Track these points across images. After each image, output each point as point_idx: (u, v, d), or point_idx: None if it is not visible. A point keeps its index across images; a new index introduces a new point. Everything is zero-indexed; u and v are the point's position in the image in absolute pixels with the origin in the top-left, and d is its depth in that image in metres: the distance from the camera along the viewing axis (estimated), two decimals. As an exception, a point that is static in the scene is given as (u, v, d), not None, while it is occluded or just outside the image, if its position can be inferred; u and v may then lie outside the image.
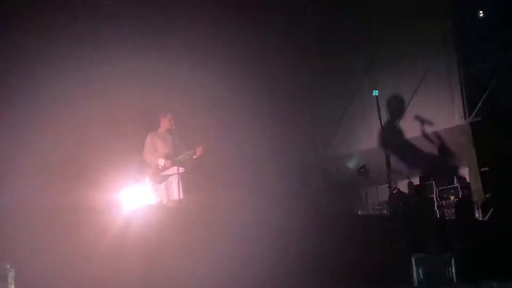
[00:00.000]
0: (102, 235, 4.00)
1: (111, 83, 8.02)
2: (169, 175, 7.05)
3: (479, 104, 10.00)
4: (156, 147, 7.18)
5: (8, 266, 3.53)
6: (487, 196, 9.86)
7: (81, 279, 3.80)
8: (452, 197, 11.33)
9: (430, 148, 10.98)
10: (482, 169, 9.86)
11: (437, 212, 11.45)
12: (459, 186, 11.43)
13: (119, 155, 7.62)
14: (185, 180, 7.15)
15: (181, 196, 6.90)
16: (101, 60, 8.08)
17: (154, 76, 8.75)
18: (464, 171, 11.30)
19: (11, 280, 3.53)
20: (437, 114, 10.50)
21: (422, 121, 10.60)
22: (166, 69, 8.80)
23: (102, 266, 3.90)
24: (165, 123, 7.27)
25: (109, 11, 8.54)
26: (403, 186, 12.62)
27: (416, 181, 12.59)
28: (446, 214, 11.35)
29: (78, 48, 7.91)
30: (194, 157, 7.05)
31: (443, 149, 10.54)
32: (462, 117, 10.12)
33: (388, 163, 10.61)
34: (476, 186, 10.04)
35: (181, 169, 6.98)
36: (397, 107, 11.15)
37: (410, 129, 10.94)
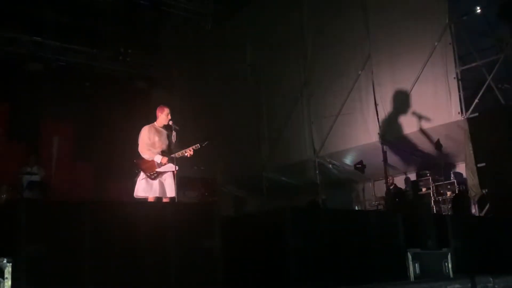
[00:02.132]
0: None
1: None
2: (164, 172, 7.06)
3: (476, 100, 10.01)
4: (153, 142, 7.19)
5: (4, 261, 3.51)
6: (484, 191, 9.88)
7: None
8: (449, 193, 11.36)
9: (427, 144, 11.00)
10: (479, 165, 9.88)
11: (434, 208, 11.49)
12: (455, 181, 11.46)
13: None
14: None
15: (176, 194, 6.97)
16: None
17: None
18: (461, 167, 11.33)
19: (8, 275, 3.51)
20: (434, 109, 10.51)
21: (419, 116, 10.62)
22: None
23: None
24: (162, 118, 7.30)
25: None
26: (400, 181, 12.67)
27: (413, 176, 12.63)
28: (442, 209, 11.38)
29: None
30: (187, 156, 7.11)
31: (440, 145, 10.56)
32: (459, 113, 10.12)
33: (385, 159, 10.67)
34: (473, 182, 10.05)
35: (176, 167, 7.02)
36: (394, 103, 11.16)
37: (407, 124, 10.95)
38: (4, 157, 12.58)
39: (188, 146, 7.10)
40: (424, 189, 11.91)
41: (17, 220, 3.66)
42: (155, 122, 7.35)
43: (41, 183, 11.79)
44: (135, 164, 7.22)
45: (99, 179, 13.77)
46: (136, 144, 7.24)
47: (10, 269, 3.51)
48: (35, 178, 11.83)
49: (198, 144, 7.12)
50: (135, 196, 7.04)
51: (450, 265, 5.60)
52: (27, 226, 3.64)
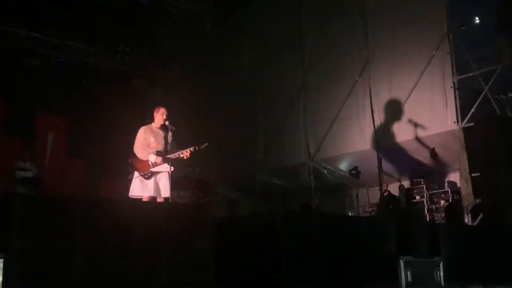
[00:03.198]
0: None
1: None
2: (158, 172, 7.04)
3: (472, 110, 10.04)
4: (149, 142, 7.17)
5: (-4, 256, 3.49)
6: (477, 201, 9.89)
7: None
8: (442, 201, 11.38)
9: (422, 152, 11.02)
10: (473, 175, 9.90)
11: (427, 216, 11.50)
12: (449, 190, 11.49)
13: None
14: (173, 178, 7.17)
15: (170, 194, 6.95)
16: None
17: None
18: (455, 176, 11.35)
19: (-1, 270, 3.49)
20: (430, 118, 10.53)
21: (415, 125, 10.64)
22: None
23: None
24: (158, 118, 7.29)
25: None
26: (394, 188, 12.68)
27: (407, 184, 12.64)
28: (436, 218, 11.40)
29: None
30: (183, 157, 7.08)
31: (435, 154, 10.58)
32: (454, 122, 10.15)
33: (380, 166, 10.67)
34: (467, 191, 10.08)
35: (171, 168, 7.00)
36: (390, 110, 11.18)
37: (403, 132, 10.97)
38: (-1, 152, 12.55)
39: (185, 147, 7.09)
40: (418, 197, 11.93)
41: (9, 215, 3.65)
42: (152, 123, 7.35)
43: (35, 179, 11.75)
44: (129, 163, 7.20)
45: (93, 177, 13.74)
46: (132, 143, 7.24)
47: (1, 264, 3.49)
48: (29, 174, 11.79)
49: (196, 146, 7.10)
50: (130, 196, 7.01)
51: (441, 274, 5.62)
52: (19, 221, 3.63)
